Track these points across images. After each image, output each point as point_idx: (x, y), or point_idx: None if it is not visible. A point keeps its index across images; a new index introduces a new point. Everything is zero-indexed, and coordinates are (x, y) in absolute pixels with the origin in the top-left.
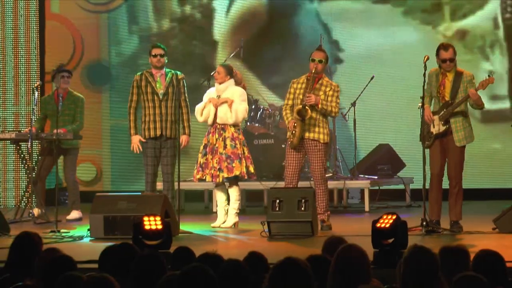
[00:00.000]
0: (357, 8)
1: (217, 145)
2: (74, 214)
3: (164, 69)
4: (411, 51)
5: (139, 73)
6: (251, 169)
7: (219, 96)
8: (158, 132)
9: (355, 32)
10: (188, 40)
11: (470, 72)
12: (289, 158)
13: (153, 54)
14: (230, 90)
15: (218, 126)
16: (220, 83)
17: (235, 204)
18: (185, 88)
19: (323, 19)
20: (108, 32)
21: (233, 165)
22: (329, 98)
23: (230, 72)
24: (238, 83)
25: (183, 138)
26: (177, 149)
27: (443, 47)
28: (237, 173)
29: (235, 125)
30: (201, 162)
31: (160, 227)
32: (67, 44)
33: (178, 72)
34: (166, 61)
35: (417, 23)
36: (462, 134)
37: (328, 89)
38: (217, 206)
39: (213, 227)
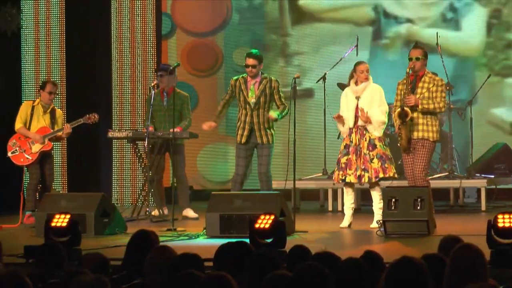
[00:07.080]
0: None
1: (360, 145)
2: (189, 211)
3: (260, 75)
4: None
5: (235, 78)
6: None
7: (358, 97)
8: (244, 140)
9: None
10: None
11: None
12: (404, 160)
13: (246, 64)
14: (369, 91)
15: (359, 126)
16: (361, 82)
17: (380, 204)
18: (279, 89)
19: None
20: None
21: (386, 165)
22: (434, 94)
23: (367, 70)
24: None
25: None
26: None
27: None
28: (391, 174)
29: None
30: (342, 162)
31: (267, 226)
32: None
33: (273, 78)
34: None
35: None
36: None
37: (431, 85)
38: (344, 206)
39: (342, 227)
